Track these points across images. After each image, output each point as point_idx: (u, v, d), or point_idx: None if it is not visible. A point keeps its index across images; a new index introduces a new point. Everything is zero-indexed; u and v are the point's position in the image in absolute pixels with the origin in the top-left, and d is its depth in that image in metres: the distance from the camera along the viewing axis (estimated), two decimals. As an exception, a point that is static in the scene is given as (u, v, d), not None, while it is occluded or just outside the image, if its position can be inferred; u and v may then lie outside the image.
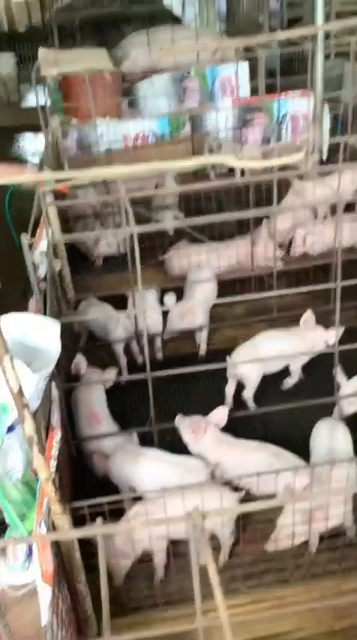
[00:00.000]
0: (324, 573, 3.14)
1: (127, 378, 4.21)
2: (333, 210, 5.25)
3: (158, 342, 4.70)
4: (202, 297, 4.73)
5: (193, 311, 4.64)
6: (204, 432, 3.36)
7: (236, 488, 3.18)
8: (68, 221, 5.50)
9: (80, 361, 4.04)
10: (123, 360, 4.51)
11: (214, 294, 4.84)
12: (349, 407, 3.84)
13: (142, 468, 3.26)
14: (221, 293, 4.90)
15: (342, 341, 4.16)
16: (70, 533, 2.16)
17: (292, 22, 12.43)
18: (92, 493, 2.68)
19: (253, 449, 3.40)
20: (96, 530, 1.86)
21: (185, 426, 3.43)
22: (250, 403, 4.17)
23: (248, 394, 4.17)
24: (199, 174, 6.37)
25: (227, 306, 5.00)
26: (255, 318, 4.96)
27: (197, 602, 1.56)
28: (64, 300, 4.70)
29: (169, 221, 5.55)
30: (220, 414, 3.47)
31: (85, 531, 2.12)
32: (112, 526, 2.14)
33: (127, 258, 4.57)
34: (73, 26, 11.36)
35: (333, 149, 6.41)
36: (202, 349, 4.72)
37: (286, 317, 4.93)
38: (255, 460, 3.27)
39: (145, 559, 3.12)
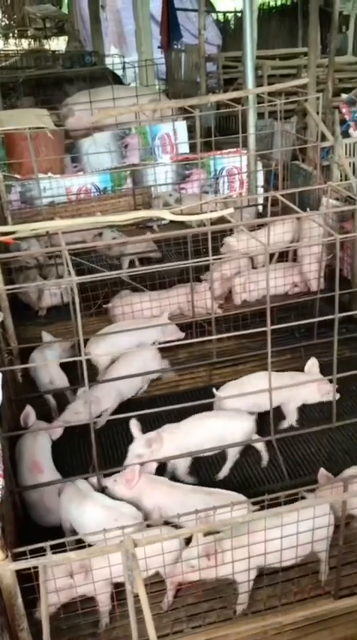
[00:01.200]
0: (265, 609, 3.21)
1: (66, 425, 4.23)
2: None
3: None
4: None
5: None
6: (137, 480, 3.47)
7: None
8: (11, 272, 5.60)
9: (29, 412, 4.08)
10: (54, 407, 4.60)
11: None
12: None
13: (83, 508, 3.34)
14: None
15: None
16: (10, 565, 2.17)
17: (228, 82, 13.19)
18: (37, 542, 2.70)
19: (190, 491, 3.51)
20: (37, 561, 1.91)
21: (115, 481, 3.56)
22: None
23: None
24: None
25: (170, 352, 5.15)
26: (196, 363, 5.12)
27: (133, 628, 1.64)
28: (6, 351, 4.75)
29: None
30: (151, 467, 3.65)
31: (26, 563, 2.14)
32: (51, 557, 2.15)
33: (69, 308, 4.70)
34: (17, 84, 11.68)
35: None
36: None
37: (226, 361, 5.14)
38: (193, 502, 3.34)
39: (89, 606, 3.13)
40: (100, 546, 2.43)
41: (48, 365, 4.62)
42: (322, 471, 3.52)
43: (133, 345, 4.84)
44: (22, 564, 2.18)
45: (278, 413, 4.51)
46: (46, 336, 4.99)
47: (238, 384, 4.38)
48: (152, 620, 1.58)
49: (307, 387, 4.36)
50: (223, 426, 3.99)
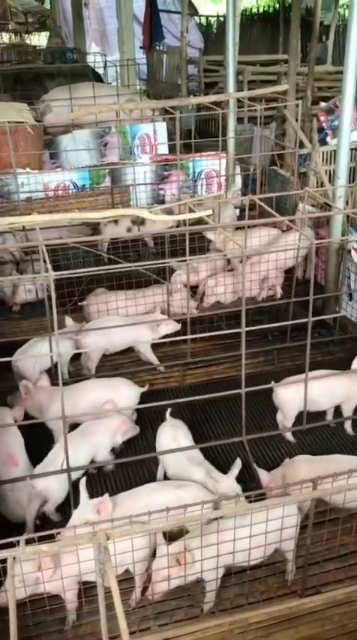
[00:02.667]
0: (232, 608, 3.24)
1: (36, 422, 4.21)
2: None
3: None
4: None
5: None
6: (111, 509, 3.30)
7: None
8: (-14, 267, 5.55)
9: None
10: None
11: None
12: None
13: None
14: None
15: (249, 384, 4.38)
16: None
17: (209, 86, 13.27)
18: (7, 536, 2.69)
19: (154, 490, 3.50)
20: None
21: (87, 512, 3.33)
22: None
23: (286, 423, 4.43)
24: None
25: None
26: (170, 362, 5.14)
27: (103, 623, 1.65)
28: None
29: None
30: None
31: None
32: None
33: (44, 304, 4.68)
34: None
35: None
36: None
37: (200, 362, 5.18)
38: (161, 501, 3.29)
39: (56, 603, 3.12)
40: (72, 538, 2.43)
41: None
42: (260, 472, 3.70)
43: (127, 342, 4.84)
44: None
45: (252, 414, 4.56)
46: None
47: (298, 379, 4.37)
48: (123, 619, 1.58)
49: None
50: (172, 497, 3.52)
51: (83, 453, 3.93)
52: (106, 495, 3.30)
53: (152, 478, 4.03)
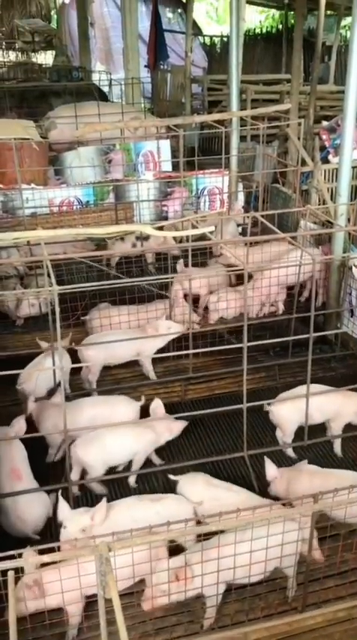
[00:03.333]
0: (233, 624, 3.23)
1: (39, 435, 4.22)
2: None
3: None
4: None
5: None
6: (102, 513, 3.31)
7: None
8: (-10, 281, 5.60)
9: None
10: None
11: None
12: None
13: None
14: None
15: (251, 399, 4.39)
16: None
17: (212, 104, 13.43)
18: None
19: (130, 505, 3.46)
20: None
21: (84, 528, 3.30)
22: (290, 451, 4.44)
23: (286, 439, 4.43)
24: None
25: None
26: (172, 377, 5.15)
27: (103, 636, 1.65)
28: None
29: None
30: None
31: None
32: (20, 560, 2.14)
33: (47, 318, 4.70)
34: (2, 96, 11.72)
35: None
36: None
37: (202, 377, 5.19)
38: (143, 517, 3.29)
39: (56, 617, 3.11)
40: (73, 550, 2.43)
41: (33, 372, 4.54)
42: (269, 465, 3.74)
43: (131, 354, 4.89)
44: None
45: (253, 429, 4.57)
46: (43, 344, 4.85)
47: (291, 395, 4.40)
48: (124, 630, 1.59)
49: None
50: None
51: (127, 450, 4.04)
52: (104, 500, 3.32)
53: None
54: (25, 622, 2.91)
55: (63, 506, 3.29)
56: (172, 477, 3.70)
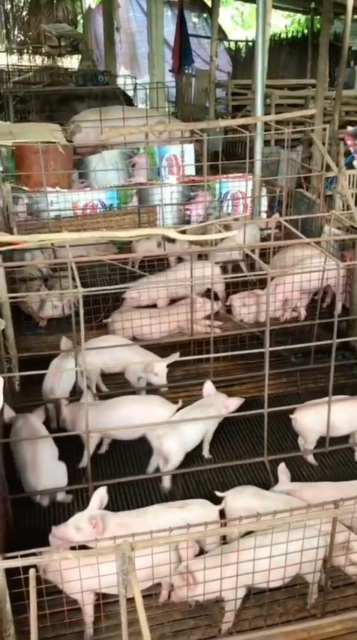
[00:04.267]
0: (250, 629, 3.22)
1: (62, 435, 4.26)
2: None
3: None
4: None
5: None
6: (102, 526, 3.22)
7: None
8: (14, 282, 5.66)
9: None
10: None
11: None
12: None
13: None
14: (161, 356, 5.07)
15: (272, 405, 4.38)
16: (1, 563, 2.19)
17: (236, 109, 13.45)
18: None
19: (157, 512, 3.43)
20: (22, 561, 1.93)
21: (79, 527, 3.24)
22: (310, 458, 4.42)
23: (307, 447, 4.41)
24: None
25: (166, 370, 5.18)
26: (192, 381, 5.16)
27: (124, 635, 1.67)
28: (5, 359, 4.79)
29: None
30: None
31: (19, 562, 2.15)
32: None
33: (70, 320, 4.75)
34: (29, 99, 11.88)
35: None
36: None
37: (222, 381, 5.19)
38: (167, 521, 3.23)
39: (74, 617, 3.14)
40: (97, 548, 2.46)
41: (55, 374, 4.58)
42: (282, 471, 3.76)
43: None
44: (14, 562, 2.20)
45: (274, 435, 4.56)
46: (66, 343, 4.90)
47: (317, 404, 4.37)
48: (146, 627, 1.60)
49: None
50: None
51: (200, 432, 4.26)
52: (106, 513, 3.27)
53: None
54: (45, 620, 2.95)
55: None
56: (218, 493, 3.62)
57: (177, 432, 4.13)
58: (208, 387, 4.52)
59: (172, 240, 6.35)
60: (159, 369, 4.79)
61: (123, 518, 3.35)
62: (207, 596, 3.07)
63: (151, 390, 4.95)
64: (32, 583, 2.42)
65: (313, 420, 4.30)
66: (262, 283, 5.85)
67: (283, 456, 4.35)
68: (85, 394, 3.70)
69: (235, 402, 4.38)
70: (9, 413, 4.21)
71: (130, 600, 2.22)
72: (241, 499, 3.56)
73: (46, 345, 5.50)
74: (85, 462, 4.13)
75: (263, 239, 6.84)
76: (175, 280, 5.45)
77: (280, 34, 18.54)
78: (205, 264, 5.62)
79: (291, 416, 4.34)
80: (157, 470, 4.19)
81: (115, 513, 3.39)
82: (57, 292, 5.35)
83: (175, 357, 4.78)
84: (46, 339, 5.62)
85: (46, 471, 3.87)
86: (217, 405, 4.40)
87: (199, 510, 3.42)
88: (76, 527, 3.15)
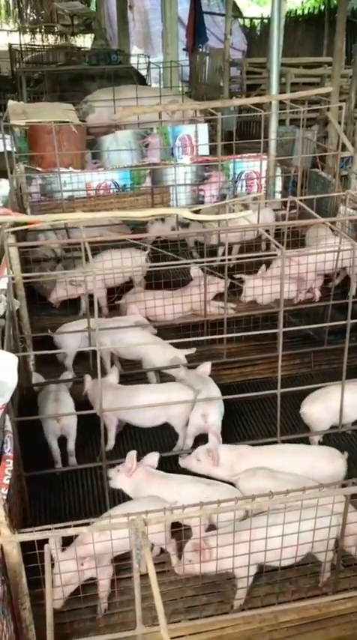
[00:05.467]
0: (263, 606, 3.25)
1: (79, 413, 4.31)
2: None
3: None
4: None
5: None
6: (134, 468, 3.57)
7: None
8: (28, 263, 5.67)
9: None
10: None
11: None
12: None
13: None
14: (174, 337, 5.07)
15: (285, 385, 4.38)
16: (17, 537, 2.23)
17: (251, 88, 13.27)
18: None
19: (188, 481, 3.59)
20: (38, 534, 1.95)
21: (118, 471, 3.65)
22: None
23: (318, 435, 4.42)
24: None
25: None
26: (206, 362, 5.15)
27: (137, 608, 1.69)
28: (20, 339, 4.82)
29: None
30: (152, 459, 3.74)
31: (33, 535, 2.19)
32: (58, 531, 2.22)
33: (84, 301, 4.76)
34: (42, 79, 11.80)
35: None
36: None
37: (235, 362, 5.19)
38: (191, 492, 3.44)
39: (89, 592, 3.19)
40: (111, 522, 2.49)
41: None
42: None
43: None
44: (28, 536, 2.24)
45: (287, 415, 4.57)
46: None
47: (323, 394, 4.36)
48: (159, 602, 1.63)
49: None
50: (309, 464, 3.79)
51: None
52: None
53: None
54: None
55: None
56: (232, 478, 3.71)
57: (218, 405, 4.27)
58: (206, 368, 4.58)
59: (187, 225, 6.33)
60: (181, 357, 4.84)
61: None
62: (217, 568, 3.11)
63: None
64: (47, 558, 2.47)
65: (320, 411, 4.29)
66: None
67: (296, 436, 4.36)
68: (99, 374, 3.72)
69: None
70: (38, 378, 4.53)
71: (144, 577, 2.26)
72: (255, 481, 3.58)
73: (60, 326, 5.52)
74: (111, 444, 4.25)
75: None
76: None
77: (296, 10, 18.18)
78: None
79: (301, 406, 4.35)
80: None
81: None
82: (72, 272, 5.33)
83: (192, 350, 4.86)
84: (61, 320, 5.63)
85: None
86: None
87: (227, 493, 3.49)
88: (196, 459, 3.67)
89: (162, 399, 4.27)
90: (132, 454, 3.59)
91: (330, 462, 3.75)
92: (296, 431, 4.52)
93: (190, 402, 4.24)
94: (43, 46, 18.43)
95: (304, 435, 4.40)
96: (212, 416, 4.22)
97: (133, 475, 3.58)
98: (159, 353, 4.84)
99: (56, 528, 2.52)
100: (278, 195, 7.36)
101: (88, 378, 4.42)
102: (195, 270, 5.48)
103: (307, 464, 3.73)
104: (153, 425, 4.35)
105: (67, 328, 4.99)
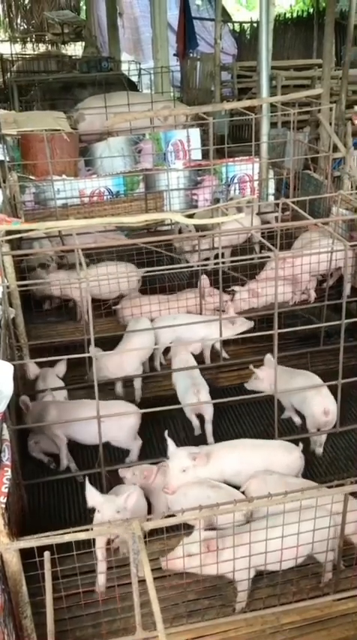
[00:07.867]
0: (265, 608, 3.25)
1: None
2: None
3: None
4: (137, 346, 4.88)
5: (127, 360, 4.83)
6: (155, 476, 3.61)
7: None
8: (23, 271, 5.68)
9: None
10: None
11: (151, 344, 5.00)
12: None
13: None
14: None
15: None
16: (16, 544, 2.23)
17: (242, 92, 13.32)
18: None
19: (191, 483, 3.58)
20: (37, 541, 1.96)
21: (133, 474, 3.68)
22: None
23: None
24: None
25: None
26: (203, 365, 5.16)
27: (136, 612, 1.69)
28: (16, 347, 4.82)
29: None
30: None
31: (34, 542, 2.19)
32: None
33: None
34: (33, 88, 11.83)
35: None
36: (137, 396, 4.87)
37: (232, 365, 5.20)
38: (194, 493, 3.46)
39: (90, 599, 3.18)
40: (107, 526, 2.48)
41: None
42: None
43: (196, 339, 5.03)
44: (28, 543, 2.24)
45: (283, 420, 4.57)
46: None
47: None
48: (157, 599, 1.63)
49: None
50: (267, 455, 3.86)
51: None
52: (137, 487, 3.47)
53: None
54: (61, 602, 3.00)
55: (92, 492, 3.28)
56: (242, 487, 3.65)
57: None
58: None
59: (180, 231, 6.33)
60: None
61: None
62: (213, 571, 3.11)
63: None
64: (47, 565, 2.46)
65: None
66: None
67: (294, 437, 4.36)
68: (95, 381, 3.72)
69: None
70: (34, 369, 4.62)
71: (144, 582, 2.26)
72: (267, 488, 3.56)
73: (56, 333, 5.54)
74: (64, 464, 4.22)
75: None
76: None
77: (285, 13, 18.30)
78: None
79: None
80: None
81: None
82: (66, 278, 5.33)
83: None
84: (56, 328, 5.66)
85: None
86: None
87: (227, 496, 3.45)
88: (132, 472, 3.67)
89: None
90: (153, 468, 3.67)
91: (287, 454, 3.81)
92: (294, 431, 4.52)
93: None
94: (35, 55, 18.48)
95: (303, 436, 4.40)
96: (203, 393, 4.35)
97: (153, 482, 3.65)
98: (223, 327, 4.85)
99: (55, 535, 2.52)
100: (271, 198, 7.38)
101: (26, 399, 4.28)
102: (205, 282, 5.49)
103: (266, 455, 3.80)
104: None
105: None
